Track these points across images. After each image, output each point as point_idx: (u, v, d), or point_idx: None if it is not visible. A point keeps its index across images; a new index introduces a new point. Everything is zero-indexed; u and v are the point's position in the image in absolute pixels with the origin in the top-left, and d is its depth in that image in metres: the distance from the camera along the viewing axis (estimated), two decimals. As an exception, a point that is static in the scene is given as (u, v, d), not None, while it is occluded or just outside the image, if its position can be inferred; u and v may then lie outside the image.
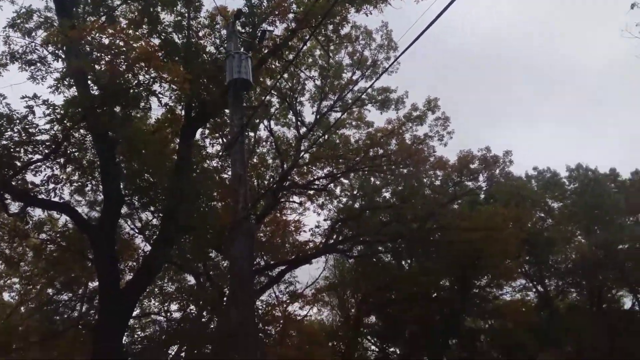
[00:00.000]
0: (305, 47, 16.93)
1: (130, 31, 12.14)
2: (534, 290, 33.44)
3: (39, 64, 12.23)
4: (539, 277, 32.63)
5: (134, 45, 11.26)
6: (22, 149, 12.27)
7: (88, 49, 11.21)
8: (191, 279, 21.83)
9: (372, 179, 24.48)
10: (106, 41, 11.02)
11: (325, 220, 24.72)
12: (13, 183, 12.69)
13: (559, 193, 33.45)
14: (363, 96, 20.80)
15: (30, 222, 14.52)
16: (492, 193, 27.63)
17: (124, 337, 15.19)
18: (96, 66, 11.57)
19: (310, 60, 19.19)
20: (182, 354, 19.96)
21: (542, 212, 32.74)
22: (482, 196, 28.55)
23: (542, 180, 34.51)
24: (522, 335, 27.72)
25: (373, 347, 32.57)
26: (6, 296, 21.49)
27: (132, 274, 17.75)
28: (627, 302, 32.27)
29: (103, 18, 13.25)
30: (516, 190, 28.36)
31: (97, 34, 10.94)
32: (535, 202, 30.06)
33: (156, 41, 13.22)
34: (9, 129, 11.78)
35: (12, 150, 12.05)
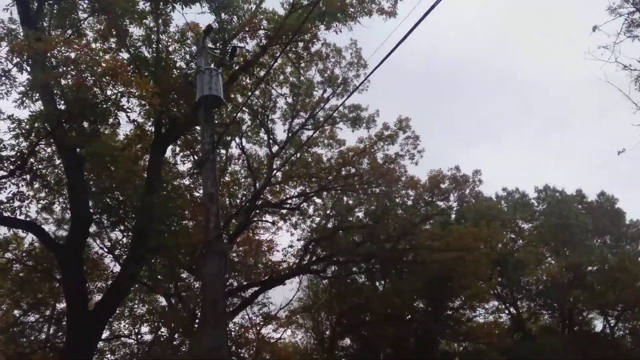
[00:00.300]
0: (276, 64, 17.07)
1: (98, 44, 12.08)
2: (506, 312, 33.64)
3: (2, 77, 12.05)
4: (511, 298, 32.88)
5: (101, 59, 11.18)
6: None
7: (54, 62, 11.07)
8: (162, 300, 21.43)
9: (345, 198, 24.59)
10: (72, 55, 10.92)
11: (298, 240, 24.66)
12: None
13: (529, 214, 34.01)
14: (334, 114, 21.00)
15: (-6, 241, 14.16)
16: (463, 213, 27.95)
17: (93, 361, 14.78)
18: (62, 80, 11.42)
19: (281, 77, 19.38)
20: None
21: (513, 232, 33.22)
22: (453, 216, 28.87)
23: (511, 201, 35.10)
24: (496, 358, 27.77)
25: (348, 370, 32.23)
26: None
27: (101, 294, 17.33)
28: (598, 325, 32.74)
29: (69, 31, 13.16)
30: (486, 210, 28.76)
31: (63, 48, 10.83)
32: (505, 222, 30.45)
33: (125, 55, 13.18)
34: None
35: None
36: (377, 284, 29.56)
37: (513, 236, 32.83)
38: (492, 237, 25.64)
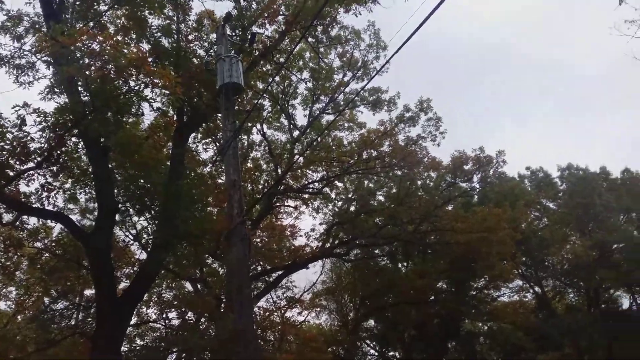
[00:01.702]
0: (295, 50, 16.99)
1: (119, 37, 12.13)
2: (531, 291, 33.48)
3: (27, 70, 12.22)
4: (536, 278, 32.68)
5: (124, 51, 11.26)
6: (14, 159, 12.21)
7: (78, 55, 11.17)
8: (189, 286, 21.75)
9: (367, 181, 24.54)
10: (96, 47, 11.01)
11: (320, 224, 24.76)
12: (6, 192, 12.62)
13: (552, 193, 33.58)
14: (355, 98, 20.86)
15: (25, 230, 14.45)
16: (486, 193, 27.71)
17: (122, 346, 15.10)
18: (86, 72, 11.53)
19: (301, 62, 19.30)
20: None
21: (537, 212, 32.88)
22: (476, 197, 28.66)
23: (535, 180, 34.66)
24: (521, 337, 27.73)
25: (372, 351, 32.55)
26: (2, 305, 21.43)
27: (128, 281, 17.65)
28: (625, 302, 32.40)
29: (91, 24, 13.25)
30: (510, 190, 28.48)
31: (87, 40, 10.92)
32: (529, 202, 30.13)
33: (145, 46, 13.24)
34: (1, 140, 11.73)
35: (4, 160, 12.00)
36: (400, 266, 29.60)
37: (537, 214, 32.48)
38: (516, 218, 25.45)
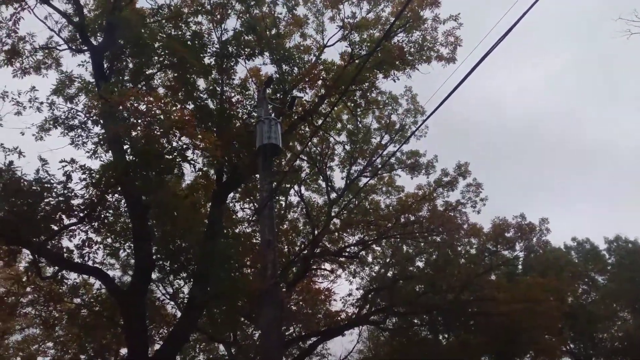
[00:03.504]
0: (333, 112, 17.28)
1: (167, 98, 12.65)
2: (581, 369, 31.58)
3: (79, 130, 12.80)
4: (585, 355, 30.89)
5: (170, 111, 11.71)
6: (58, 214, 12.57)
7: (125, 114, 11.65)
8: (222, 349, 21.41)
9: (405, 246, 24.14)
10: (143, 107, 11.48)
11: (357, 289, 24.28)
12: (48, 247, 12.92)
13: (601, 266, 32.30)
14: (392, 160, 20.94)
15: (65, 285, 14.67)
16: (530, 263, 26.79)
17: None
18: (132, 132, 11.99)
19: (339, 125, 19.59)
20: None
21: (584, 285, 31.55)
22: (520, 267, 27.73)
23: (581, 251, 33.49)
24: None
25: None
26: (41, 361, 21.48)
27: (162, 341, 17.50)
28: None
29: (140, 85, 13.90)
30: (555, 261, 27.48)
31: (135, 101, 11.41)
32: (575, 274, 28.96)
33: (190, 106, 13.72)
34: (48, 196, 12.14)
35: (49, 215, 12.36)
36: (441, 337, 28.48)
37: (585, 288, 31.10)
38: (562, 289, 24.38)
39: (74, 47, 14.19)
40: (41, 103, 13.14)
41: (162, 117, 11.46)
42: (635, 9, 11.71)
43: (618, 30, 11.99)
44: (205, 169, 14.69)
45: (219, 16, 14.69)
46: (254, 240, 17.38)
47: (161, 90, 14.53)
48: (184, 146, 12.61)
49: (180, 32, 14.52)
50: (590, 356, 30.86)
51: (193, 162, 12.46)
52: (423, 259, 24.47)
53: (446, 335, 28.39)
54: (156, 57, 14.24)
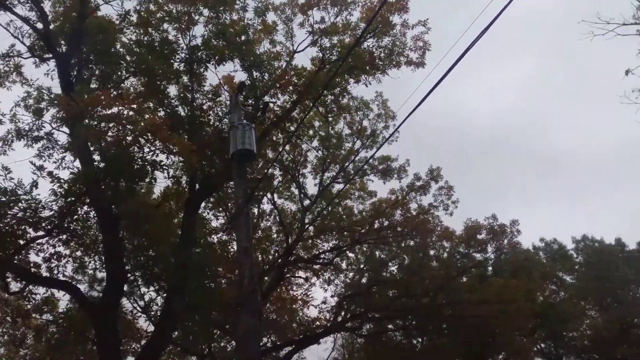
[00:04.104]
0: (305, 118, 17.23)
1: (137, 104, 12.37)
2: (551, 369, 32.07)
3: (45, 140, 12.41)
4: (556, 355, 31.38)
5: (142, 114, 11.45)
6: (24, 226, 12.12)
7: (95, 119, 11.32)
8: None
9: (378, 252, 24.16)
10: (115, 110, 11.19)
11: (332, 296, 24.15)
12: (15, 261, 12.45)
13: (569, 265, 32.96)
14: (365, 166, 20.94)
15: (32, 301, 14.17)
16: (501, 265, 27.13)
17: None
18: (102, 137, 11.65)
19: (311, 131, 19.55)
20: None
21: (553, 285, 32.11)
22: (490, 269, 28.05)
23: (549, 252, 34.12)
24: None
25: None
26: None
27: (134, 357, 17.05)
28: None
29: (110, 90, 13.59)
30: (524, 262, 27.89)
31: (107, 105, 11.10)
32: (544, 274, 29.45)
33: (161, 114, 13.48)
34: (14, 206, 11.68)
35: (14, 227, 11.91)
36: (415, 341, 28.53)
37: (554, 287, 31.68)
38: (532, 289, 24.74)
39: (38, 55, 13.79)
40: (3, 114, 12.74)
41: (133, 120, 11.20)
42: (597, 12, 12.04)
43: (582, 32, 12.27)
44: (178, 174, 14.34)
45: (185, 24, 14.48)
46: (229, 249, 17.20)
47: (131, 96, 14.22)
48: (157, 152, 12.36)
49: (148, 39, 14.30)
50: (561, 355, 31.37)
51: (166, 168, 12.18)
52: (396, 264, 24.53)
53: (420, 340, 28.46)
54: (124, 64, 13.97)
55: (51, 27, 13.43)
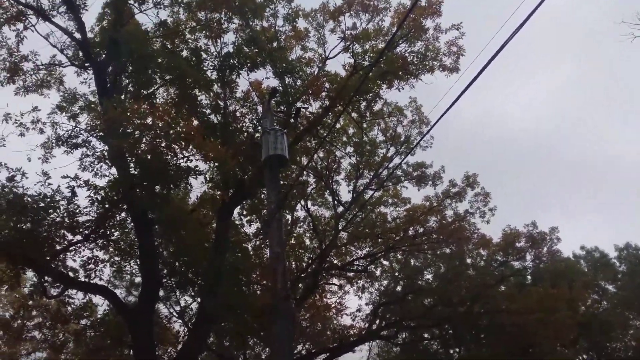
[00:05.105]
0: (339, 125, 17.20)
1: (172, 113, 12.54)
2: (594, 381, 30.98)
3: (83, 148, 12.67)
4: (599, 366, 30.33)
5: (176, 123, 11.60)
6: (63, 231, 12.39)
7: (130, 129, 11.52)
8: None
9: (413, 259, 23.86)
10: (149, 121, 11.36)
11: (366, 304, 23.94)
12: (52, 265, 12.72)
13: (611, 274, 31.91)
14: (399, 172, 20.77)
15: (70, 306, 14.42)
16: (540, 273, 26.43)
17: None
18: (137, 146, 11.84)
19: (344, 138, 19.49)
20: None
21: (595, 294, 31.12)
22: (529, 277, 27.37)
23: (590, 260, 33.09)
24: None
25: None
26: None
27: (169, 361, 17.24)
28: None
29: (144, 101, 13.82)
30: (565, 270, 27.12)
31: (141, 116, 11.30)
32: (586, 283, 28.56)
33: (195, 123, 13.62)
34: (52, 212, 11.95)
35: (52, 232, 12.18)
36: (452, 351, 28.01)
37: (596, 297, 30.68)
38: (574, 298, 24.01)
39: (77, 64, 14.16)
40: (44, 124, 13.08)
41: (168, 129, 11.35)
42: (637, 12, 11.62)
43: (622, 34, 11.87)
44: (215, 178, 14.44)
45: (216, 31, 14.64)
46: (262, 255, 17.22)
47: (164, 107, 14.45)
48: (191, 159, 12.49)
49: (179, 48, 14.52)
50: (604, 367, 30.32)
51: (201, 172, 12.29)
52: (432, 272, 24.17)
53: (457, 349, 27.92)
54: (158, 73, 14.21)
55: (90, 36, 13.78)
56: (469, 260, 23.70)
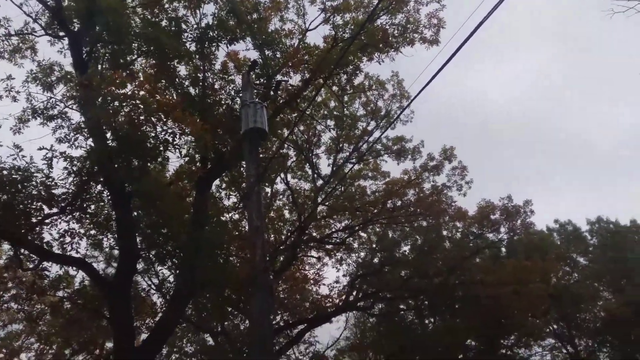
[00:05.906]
0: (319, 99, 17.11)
1: (149, 85, 12.32)
2: (564, 350, 31.99)
3: (59, 120, 12.41)
4: (569, 336, 31.27)
5: (155, 95, 11.40)
6: (39, 204, 12.21)
7: (108, 100, 11.31)
8: (210, 340, 21.22)
9: (391, 232, 24.13)
10: (128, 91, 11.16)
11: (344, 276, 24.25)
12: (29, 238, 12.57)
13: (583, 247, 32.69)
14: (379, 146, 20.87)
15: (47, 278, 14.30)
16: (514, 245, 27.00)
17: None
18: (115, 117, 11.64)
19: (325, 112, 19.43)
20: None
21: (567, 266, 31.90)
22: (504, 250, 27.93)
23: (563, 233, 33.83)
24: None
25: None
26: (24, 357, 21.13)
27: (148, 332, 17.24)
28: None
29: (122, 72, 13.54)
30: (538, 243, 27.72)
31: (119, 85, 11.07)
32: (559, 255, 29.25)
33: (173, 95, 13.43)
34: (28, 185, 11.75)
35: (28, 204, 12.00)
36: (427, 322, 28.61)
37: (567, 269, 31.47)
38: (546, 271, 24.60)
39: (51, 33, 13.76)
40: (17, 92, 12.78)
41: (147, 100, 11.16)
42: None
43: (603, 10, 11.94)
44: (191, 153, 14.32)
45: (195, 1, 14.31)
46: (241, 228, 17.22)
47: (142, 78, 14.17)
48: (170, 132, 12.35)
49: (158, 19, 14.18)
50: (574, 337, 31.26)
51: (178, 147, 12.15)
52: (409, 244, 24.51)
53: (432, 320, 28.53)
54: (136, 44, 13.89)
55: (65, 4, 13.35)
56: (445, 233, 24.09)
